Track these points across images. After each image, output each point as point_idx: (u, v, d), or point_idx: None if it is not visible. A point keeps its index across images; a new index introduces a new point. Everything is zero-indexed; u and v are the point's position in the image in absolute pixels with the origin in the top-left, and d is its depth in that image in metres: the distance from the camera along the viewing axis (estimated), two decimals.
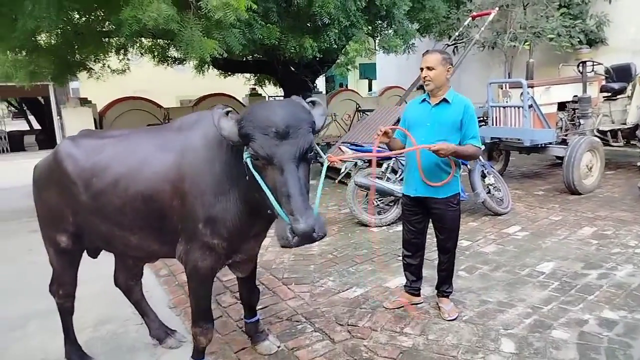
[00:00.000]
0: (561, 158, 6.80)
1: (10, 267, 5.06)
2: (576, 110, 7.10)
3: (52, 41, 6.92)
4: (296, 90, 8.83)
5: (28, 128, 21.60)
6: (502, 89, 7.31)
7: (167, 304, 3.86)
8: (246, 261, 2.78)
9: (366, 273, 4.21)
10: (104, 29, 6.99)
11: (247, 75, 12.67)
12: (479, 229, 5.25)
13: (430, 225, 3.43)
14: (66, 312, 3.04)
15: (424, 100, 3.26)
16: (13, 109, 25.68)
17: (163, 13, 4.67)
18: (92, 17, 6.61)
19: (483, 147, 6.21)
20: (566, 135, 7.03)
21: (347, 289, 3.89)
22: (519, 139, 6.82)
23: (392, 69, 15.47)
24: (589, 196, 6.37)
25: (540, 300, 3.50)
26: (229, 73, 11.22)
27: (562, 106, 7.20)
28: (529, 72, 7.64)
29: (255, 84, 13.24)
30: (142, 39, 8.37)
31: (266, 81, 12.84)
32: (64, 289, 2.99)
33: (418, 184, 3.23)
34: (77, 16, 6.53)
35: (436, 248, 3.44)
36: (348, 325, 3.28)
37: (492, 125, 7.02)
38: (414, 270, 3.52)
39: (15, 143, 17.38)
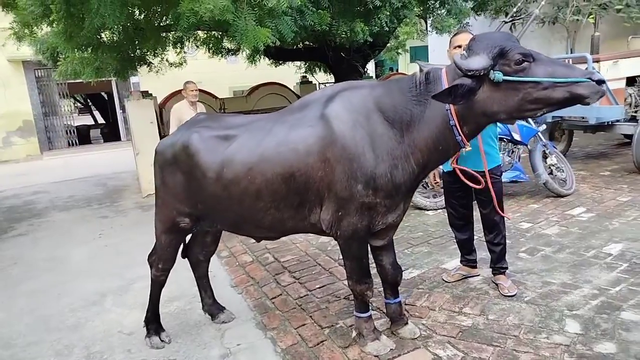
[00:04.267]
0: (630, 136, 6.39)
1: (84, 249, 5.46)
2: None
3: (115, 38, 7.28)
4: (347, 76, 8.80)
5: (93, 122, 22.95)
6: None
7: (229, 284, 4.04)
8: (392, 226, 2.77)
9: (422, 255, 4.19)
10: (162, 24, 7.27)
11: (298, 63, 12.74)
12: (541, 211, 5.07)
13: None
14: (159, 285, 3.25)
15: None
16: (79, 104, 27.30)
17: (218, 4, 4.80)
18: (152, 13, 6.90)
19: (544, 126, 6.00)
20: (636, 112, 6.59)
21: (404, 270, 3.88)
22: (583, 117, 6.48)
23: (444, 51, 15.03)
24: None
25: (607, 282, 3.36)
26: (281, 62, 11.34)
27: (631, 81, 6.75)
28: (594, 47, 7.22)
29: (305, 72, 13.30)
30: (198, 31, 8.63)
31: (317, 69, 12.86)
32: (163, 263, 3.17)
33: (460, 159, 3.22)
34: (138, 12, 6.84)
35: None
36: (405, 304, 3.29)
37: None
38: (465, 245, 3.59)
39: (83, 137, 18.53)
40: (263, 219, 2.72)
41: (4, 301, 4.17)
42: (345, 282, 3.72)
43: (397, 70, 21.81)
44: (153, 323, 3.22)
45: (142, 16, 6.96)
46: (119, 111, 18.04)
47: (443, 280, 3.60)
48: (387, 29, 7.73)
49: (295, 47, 9.72)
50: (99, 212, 7.26)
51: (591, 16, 9.26)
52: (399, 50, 16.11)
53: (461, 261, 3.66)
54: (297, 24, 6.12)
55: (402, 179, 2.47)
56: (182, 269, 3.72)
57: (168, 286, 4.04)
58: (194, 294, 3.68)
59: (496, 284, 3.42)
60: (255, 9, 5.39)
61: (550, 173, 5.59)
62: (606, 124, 6.45)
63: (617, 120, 6.39)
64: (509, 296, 3.26)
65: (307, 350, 2.87)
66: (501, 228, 3.39)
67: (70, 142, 17.52)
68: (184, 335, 3.24)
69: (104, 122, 22.06)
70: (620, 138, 8.20)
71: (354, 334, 2.91)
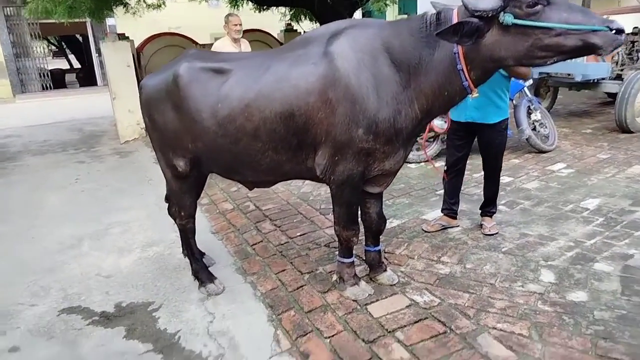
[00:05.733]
0: (613, 95, 6.41)
1: (60, 194, 5.34)
2: (635, 43, 6.60)
3: None
4: None
5: (68, 67, 22.06)
6: None
7: (210, 230, 4.00)
8: (390, 173, 2.67)
9: (403, 206, 4.20)
10: None
11: (283, 10, 12.28)
12: (522, 166, 5.10)
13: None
14: (189, 232, 3.08)
15: None
16: (53, 47, 26.15)
17: None
18: None
19: (531, 82, 5.95)
20: (622, 70, 6.58)
21: None
22: (569, 74, 6.44)
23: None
24: None
25: (583, 234, 3.42)
26: (265, 7, 10.90)
27: None
28: (585, 3, 7.08)
29: (290, 20, 12.86)
30: None
31: (302, 16, 12.44)
32: (184, 211, 2.99)
33: (469, 109, 3.32)
34: None
35: (474, 184, 3.54)
36: (385, 252, 3.31)
37: None
38: (452, 192, 3.65)
39: (57, 81, 17.82)
40: (260, 161, 2.61)
41: None
42: (326, 231, 3.74)
43: None
44: (202, 272, 3.08)
45: None
46: (94, 55, 17.33)
47: (423, 230, 3.64)
48: None
49: None
50: (75, 157, 7.08)
51: None
52: (387, 2, 15.62)
53: (442, 210, 3.69)
54: None
55: (404, 124, 2.37)
56: (160, 214, 3.66)
57: (146, 231, 4.02)
58: (173, 240, 3.65)
59: (480, 225, 3.59)
60: None
61: (534, 129, 5.59)
62: (592, 81, 6.43)
63: (603, 78, 6.38)
64: (488, 235, 3.46)
65: (287, 295, 2.89)
66: (499, 175, 3.56)
67: (45, 85, 16.87)
68: (163, 279, 3.22)
69: (79, 66, 21.22)
70: (603, 97, 8.24)
71: (334, 277, 2.93)
